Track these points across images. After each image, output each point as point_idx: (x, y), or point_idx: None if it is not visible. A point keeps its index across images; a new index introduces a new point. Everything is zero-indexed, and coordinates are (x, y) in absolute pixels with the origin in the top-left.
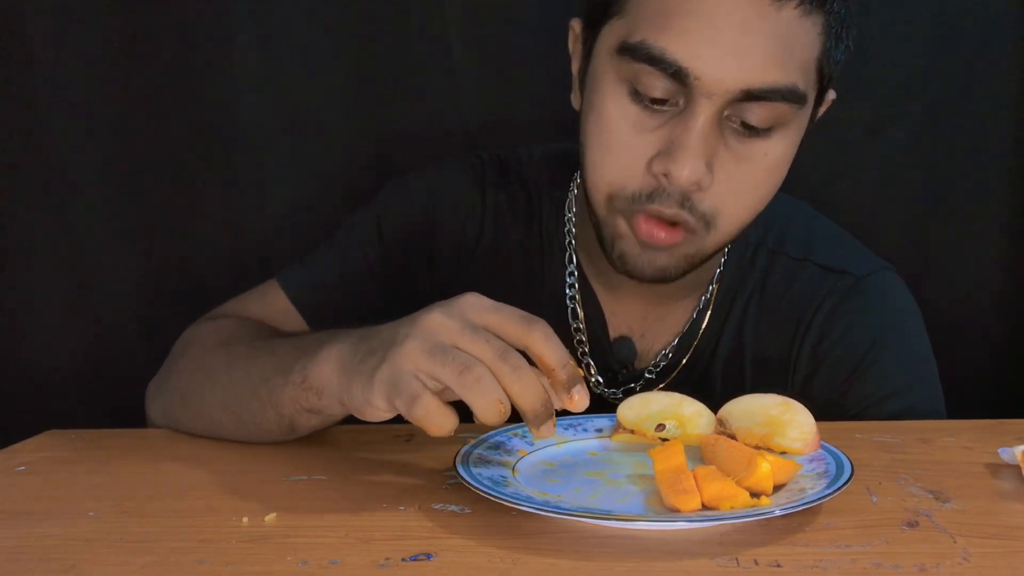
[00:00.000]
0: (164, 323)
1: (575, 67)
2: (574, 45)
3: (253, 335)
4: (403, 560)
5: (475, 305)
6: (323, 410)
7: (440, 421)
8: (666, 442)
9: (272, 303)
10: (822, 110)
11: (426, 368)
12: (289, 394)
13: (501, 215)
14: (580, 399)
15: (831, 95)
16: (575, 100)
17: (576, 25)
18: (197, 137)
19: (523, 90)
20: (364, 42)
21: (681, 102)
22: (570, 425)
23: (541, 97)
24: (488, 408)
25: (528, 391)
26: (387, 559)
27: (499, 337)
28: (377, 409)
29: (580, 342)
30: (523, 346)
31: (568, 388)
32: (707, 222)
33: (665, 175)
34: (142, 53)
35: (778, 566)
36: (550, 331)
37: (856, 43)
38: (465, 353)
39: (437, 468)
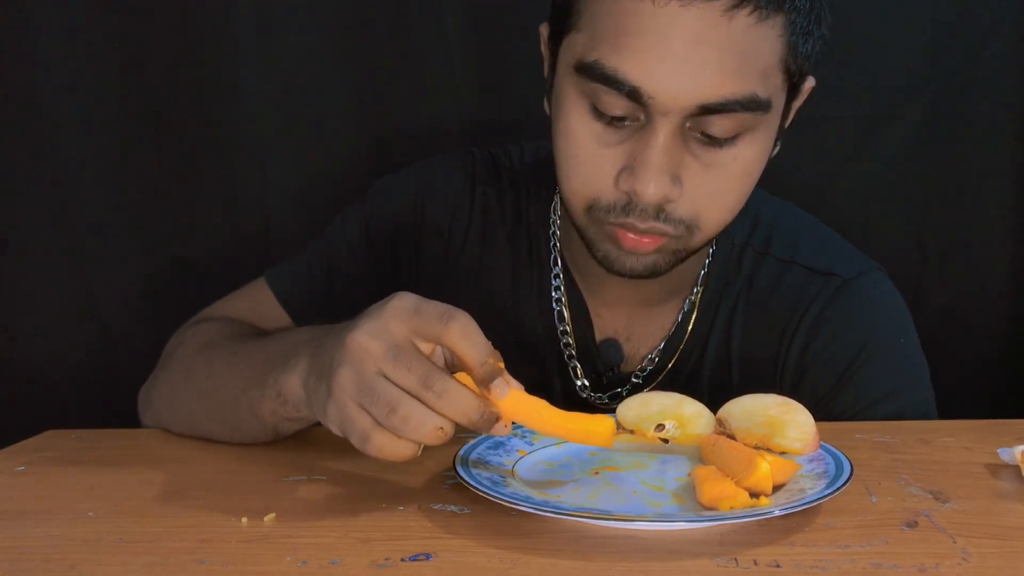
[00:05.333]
0: (164, 323)
1: (546, 71)
2: (544, 49)
3: (232, 338)
4: (402, 560)
5: (398, 311)
6: (303, 419)
7: (396, 453)
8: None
9: (260, 302)
10: (800, 101)
11: (360, 403)
12: (268, 407)
13: (489, 213)
14: (497, 392)
15: (809, 84)
16: (547, 105)
17: (543, 30)
18: (199, 137)
19: (522, 88)
20: (364, 40)
21: (642, 117)
22: None
23: (540, 95)
24: (427, 438)
25: (460, 410)
26: (387, 559)
27: (424, 337)
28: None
29: (567, 344)
30: (443, 347)
31: (486, 384)
32: (688, 226)
33: (632, 192)
34: (144, 53)
35: (777, 566)
36: (469, 326)
37: (857, 40)
38: (392, 386)
39: (436, 468)
